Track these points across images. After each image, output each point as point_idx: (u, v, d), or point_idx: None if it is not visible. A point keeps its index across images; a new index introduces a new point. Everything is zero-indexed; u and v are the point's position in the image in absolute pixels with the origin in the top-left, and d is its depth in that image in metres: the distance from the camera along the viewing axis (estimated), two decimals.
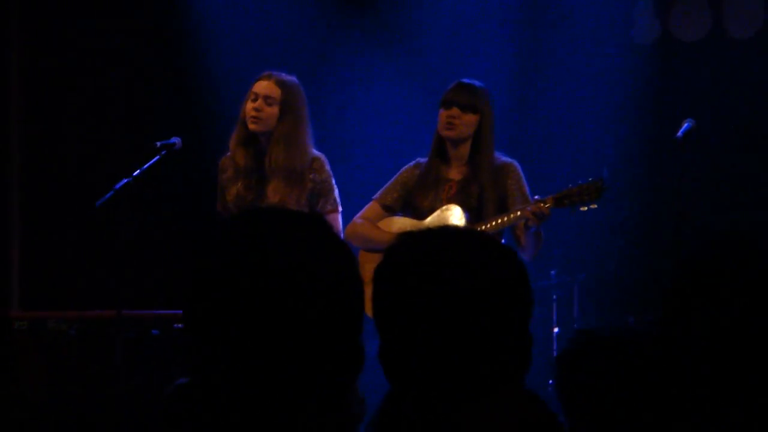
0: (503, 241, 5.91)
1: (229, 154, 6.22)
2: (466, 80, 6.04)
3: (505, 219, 5.76)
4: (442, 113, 5.96)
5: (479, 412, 2.03)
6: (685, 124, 6.22)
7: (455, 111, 5.93)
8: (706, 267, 2.01)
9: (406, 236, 2.15)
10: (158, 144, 6.25)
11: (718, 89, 8.13)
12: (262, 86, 6.10)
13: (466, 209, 5.88)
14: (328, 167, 6.15)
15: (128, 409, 6.18)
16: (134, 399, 6.30)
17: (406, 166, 6.17)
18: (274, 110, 6.06)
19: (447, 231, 2.17)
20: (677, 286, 2.08)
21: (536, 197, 5.75)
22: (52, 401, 6.26)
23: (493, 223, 5.78)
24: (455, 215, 5.89)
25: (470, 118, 5.93)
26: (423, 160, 6.12)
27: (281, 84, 6.11)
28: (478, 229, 5.75)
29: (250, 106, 6.08)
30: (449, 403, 2.03)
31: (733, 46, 8.20)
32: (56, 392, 6.35)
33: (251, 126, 6.06)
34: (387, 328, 2.09)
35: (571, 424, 2.41)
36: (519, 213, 5.73)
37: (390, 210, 6.13)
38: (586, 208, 5.76)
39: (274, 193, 6.04)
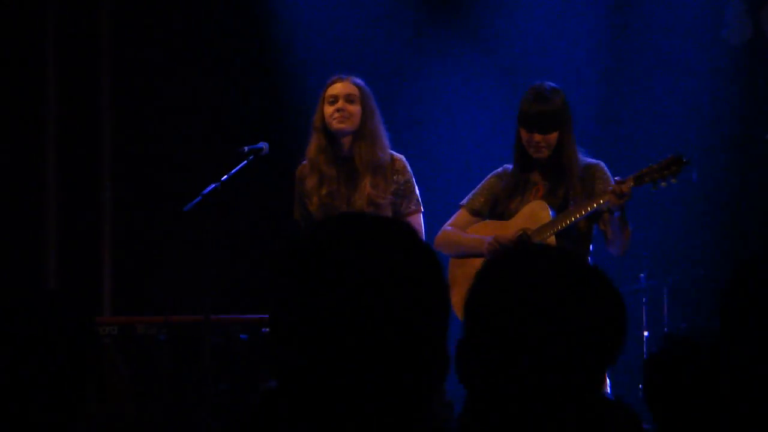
0: (591, 245, 5.84)
1: (305, 162, 6.21)
2: (538, 87, 5.80)
3: (588, 208, 5.63)
4: (524, 134, 5.79)
5: (563, 419, 1.99)
6: None
7: (537, 137, 5.76)
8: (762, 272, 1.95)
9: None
10: (246, 149, 6.24)
11: None
12: (339, 87, 6.11)
13: (552, 208, 5.78)
14: (409, 168, 6.14)
15: (217, 414, 6.21)
16: (223, 403, 6.34)
17: (492, 172, 6.04)
18: (357, 108, 6.07)
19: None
20: (735, 289, 2.03)
21: (617, 178, 5.59)
22: (140, 406, 6.30)
23: (577, 214, 5.67)
24: (542, 210, 5.79)
25: (553, 137, 5.77)
26: (509, 166, 6.00)
27: (357, 84, 6.14)
28: (564, 219, 5.69)
29: (330, 109, 6.08)
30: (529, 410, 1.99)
31: None
32: (145, 397, 6.40)
33: (338, 126, 6.04)
34: (475, 329, 2.05)
35: (660, 429, 2.37)
36: (601, 199, 5.61)
37: (478, 215, 6.01)
38: (666, 184, 5.60)
39: (364, 190, 6.02)
